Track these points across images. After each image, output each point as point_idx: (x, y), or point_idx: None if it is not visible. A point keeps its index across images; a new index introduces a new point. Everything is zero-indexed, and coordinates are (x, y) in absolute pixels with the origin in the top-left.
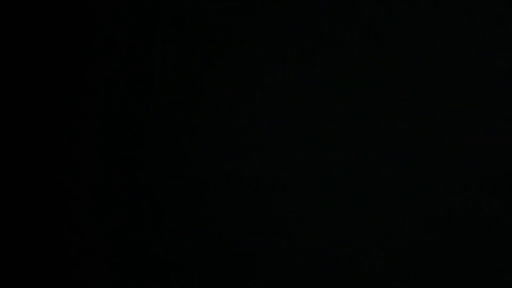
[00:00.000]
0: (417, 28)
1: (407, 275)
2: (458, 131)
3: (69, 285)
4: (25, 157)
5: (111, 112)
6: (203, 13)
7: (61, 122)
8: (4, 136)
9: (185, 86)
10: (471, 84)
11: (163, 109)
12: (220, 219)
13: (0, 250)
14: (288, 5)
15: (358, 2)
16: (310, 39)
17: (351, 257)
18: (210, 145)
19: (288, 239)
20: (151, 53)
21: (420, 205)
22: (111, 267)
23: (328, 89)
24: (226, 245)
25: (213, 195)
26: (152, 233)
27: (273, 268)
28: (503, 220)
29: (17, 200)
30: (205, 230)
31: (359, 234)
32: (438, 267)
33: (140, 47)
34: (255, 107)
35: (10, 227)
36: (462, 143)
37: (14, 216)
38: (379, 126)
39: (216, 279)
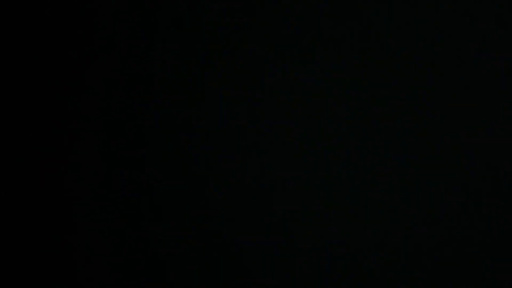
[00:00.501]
0: (417, 28)
1: (407, 275)
2: (458, 131)
3: (69, 285)
4: (25, 157)
5: (111, 112)
6: (203, 13)
7: (61, 122)
8: (4, 136)
9: (185, 86)
10: (471, 84)
11: (163, 109)
12: (220, 218)
13: (0, 250)
14: (288, 5)
15: (358, 2)
16: (310, 39)
17: (351, 257)
18: (210, 145)
19: (288, 239)
20: (151, 53)
21: (420, 205)
22: (111, 267)
23: (328, 89)
24: (226, 244)
25: (213, 195)
26: (152, 233)
27: (273, 267)
28: (503, 220)
29: (17, 200)
30: (205, 229)
31: (359, 234)
32: (438, 267)
33: (140, 47)
34: (255, 107)
35: (10, 227)
36: (462, 143)
37: (14, 216)
38: (379, 126)
39: (216, 279)
